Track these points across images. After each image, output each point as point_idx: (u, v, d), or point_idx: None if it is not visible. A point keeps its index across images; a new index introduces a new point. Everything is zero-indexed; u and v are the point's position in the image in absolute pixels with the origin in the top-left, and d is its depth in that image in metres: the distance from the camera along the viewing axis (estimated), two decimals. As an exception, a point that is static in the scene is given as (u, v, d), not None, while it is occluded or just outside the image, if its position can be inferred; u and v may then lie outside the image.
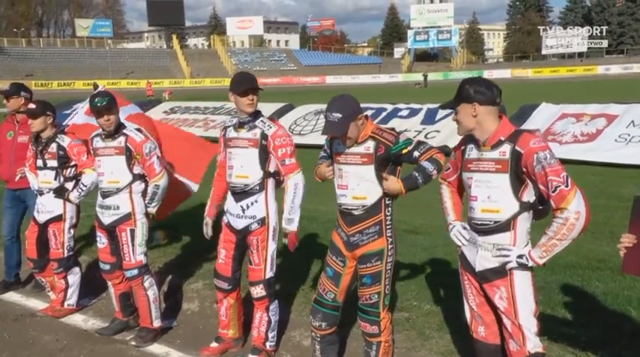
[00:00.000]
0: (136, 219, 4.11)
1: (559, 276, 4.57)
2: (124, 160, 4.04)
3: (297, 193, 3.62)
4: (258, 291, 3.72)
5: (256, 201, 3.65)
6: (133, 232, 4.11)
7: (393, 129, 3.22)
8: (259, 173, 3.62)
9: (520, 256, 2.69)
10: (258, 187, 3.63)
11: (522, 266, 2.71)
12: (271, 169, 3.64)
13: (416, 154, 3.09)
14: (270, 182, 3.67)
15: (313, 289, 4.56)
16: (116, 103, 4.03)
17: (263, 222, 3.66)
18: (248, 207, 3.65)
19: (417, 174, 3.06)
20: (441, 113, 13.46)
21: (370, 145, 3.11)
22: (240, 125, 3.64)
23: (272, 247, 3.71)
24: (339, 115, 3.00)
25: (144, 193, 4.14)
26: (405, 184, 3.07)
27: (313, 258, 5.33)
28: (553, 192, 2.52)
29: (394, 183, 3.07)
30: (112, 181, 4.09)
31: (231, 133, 3.69)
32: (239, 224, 3.70)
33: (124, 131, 4.06)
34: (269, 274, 3.72)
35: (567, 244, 2.58)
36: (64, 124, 4.99)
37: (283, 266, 5.11)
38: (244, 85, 3.52)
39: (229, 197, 3.75)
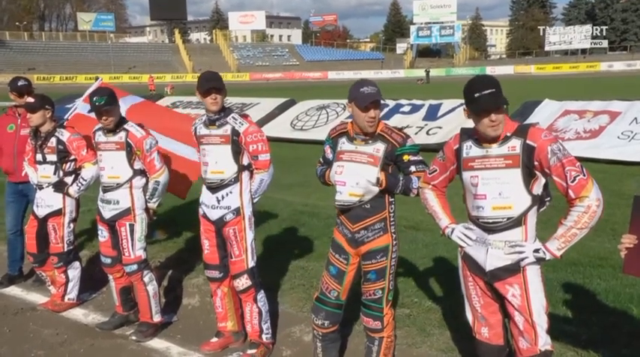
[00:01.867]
0: (136, 214, 4.11)
1: (560, 273, 4.56)
2: (124, 156, 4.03)
3: (261, 186, 3.74)
4: (243, 282, 3.74)
5: (231, 192, 3.69)
6: (132, 227, 4.11)
7: (401, 130, 3.21)
8: (234, 168, 3.67)
9: (536, 250, 2.66)
10: (233, 180, 3.68)
11: (539, 261, 2.69)
12: (245, 162, 3.69)
13: (412, 168, 3.12)
14: (245, 174, 3.72)
15: (314, 285, 4.56)
16: (115, 101, 4.00)
17: (238, 212, 3.70)
18: (223, 198, 3.70)
19: (402, 180, 3.10)
20: (443, 109, 13.45)
21: (380, 147, 3.10)
22: (210, 122, 3.67)
23: (250, 236, 3.74)
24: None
25: (144, 189, 4.13)
26: (387, 179, 3.07)
27: (313, 253, 5.33)
28: (572, 182, 2.51)
29: (381, 174, 3.08)
30: (112, 176, 4.08)
31: (202, 130, 3.73)
32: (214, 215, 3.74)
33: (125, 126, 4.05)
34: (251, 263, 3.75)
35: (585, 234, 2.56)
36: (64, 118, 4.97)
37: (282, 262, 5.12)
38: (206, 84, 3.54)
39: (204, 190, 3.79)
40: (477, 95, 2.58)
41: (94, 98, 3.91)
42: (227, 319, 4.00)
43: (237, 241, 3.71)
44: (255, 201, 3.77)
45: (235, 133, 3.61)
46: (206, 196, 3.77)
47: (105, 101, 3.89)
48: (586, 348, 3.43)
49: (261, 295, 3.82)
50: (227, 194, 3.69)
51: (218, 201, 3.70)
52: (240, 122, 3.64)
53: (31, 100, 4.50)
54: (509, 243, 2.71)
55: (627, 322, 3.73)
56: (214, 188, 3.70)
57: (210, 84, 3.54)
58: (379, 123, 3.12)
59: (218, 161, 3.67)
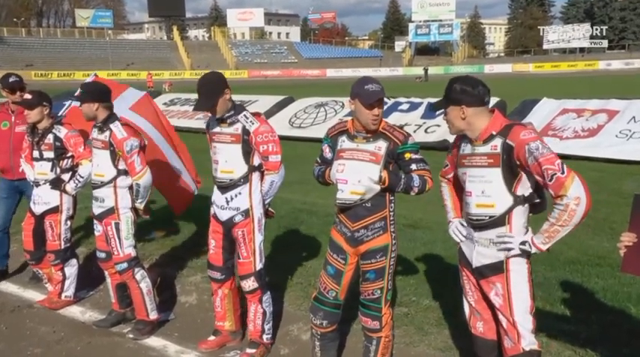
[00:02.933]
0: (120, 213, 4.08)
1: (559, 272, 4.56)
2: (108, 155, 4.01)
3: (272, 188, 3.67)
4: (250, 284, 3.71)
5: (240, 193, 3.64)
6: (117, 225, 4.08)
7: (402, 128, 3.20)
8: (244, 168, 3.60)
9: (523, 243, 2.68)
10: (242, 180, 3.62)
11: (525, 253, 2.70)
12: (255, 163, 3.62)
13: (413, 166, 3.09)
14: (255, 175, 3.65)
15: (312, 283, 4.55)
16: (96, 97, 3.96)
17: (247, 214, 3.65)
18: (232, 198, 3.65)
19: (403, 178, 3.07)
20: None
21: (382, 145, 3.08)
22: (222, 120, 3.61)
23: (259, 238, 3.70)
24: None
25: (131, 188, 4.10)
26: (390, 178, 3.05)
27: (311, 251, 5.32)
28: (550, 181, 2.51)
29: (384, 172, 3.06)
30: (97, 174, 4.09)
31: (215, 127, 3.67)
32: (223, 215, 3.70)
33: (110, 126, 4.00)
34: (259, 265, 3.71)
35: (570, 230, 2.56)
36: (59, 114, 4.95)
37: (281, 260, 5.10)
38: (199, 103, 3.53)
39: (215, 189, 3.74)
40: None
41: (80, 90, 3.99)
42: (225, 319, 3.97)
43: (246, 243, 3.67)
44: (266, 203, 3.72)
45: (246, 132, 3.54)
46: (216, 196, 3.72)
47: (81, 93, 3.95)
48: (584, 347, 3.42)
49: (267, 297, 3.80)
50: (236, 195, 3.63)
51: (227, 201, 3.65)
52: (251, 121, 3.56)
53: (28, 96, 4.48)
54: (498, 234, 2.72)
55: (626, 321, 3.73)
56: (224, 188, 3.65)
57: (200, 104, 3.52)
58: (381, 121, 3.11)
59: (228, 160, 3.61)
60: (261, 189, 3.66)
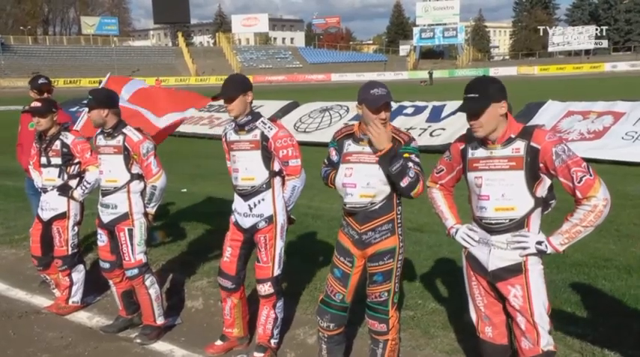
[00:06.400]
0: (134, 219, 4.10)
1: (565, 274, 4.55)
2: (121, 159, 4.03)
3: (294, 193, 3.69)
4: (266, 288, 3.72)
5: (263, 199, 3.65)
6: (131, 231, 4.10)
7: (408, 132, 3.21)
8: (265, 174, 3.62)
9: (539, 243, 2.67)
10: (265, 186, 3.64)
11: (540, 253, 2.69)
12: (276, 168, 3.65)
13: (410, 165, 3.06)
14: (277, 180, 3.67)
15: (318, 287, 4.56)
16: (106, 103, 3.99)
17: (270, 220, 3.66)
18: (255, 205, 3.66)
19: (402, 160, 2.99)
20: (447, 111, 13.43)
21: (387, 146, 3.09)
22: (239, 128, 3.64)
23: (280, 244, 3.71)
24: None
25: (143, 193, 4.13)
26: (390, 151, 2.98)
27: (318, 256, 5.32)
28: (579, 182, 2.51)
29: (386, 140, 2.99)
30: (109, 180, 4.10)
31: (232, 136, 3.70)
32: (246, 223, 3.70)
33: (123, 130, 4.05)
34: (277, 271, 3.72)
35: (590, 232, 2.57)
36: (76, 125, 4.98)
37: (288, 264, 5.09)
38: (220, 91, 3.53)
39: (236, 197, 3.75)
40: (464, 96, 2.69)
41: (89, 97, 4.01)
42: (234, 326, 3.98)
43: (267, 248, 3.68)
44: (289, 209, 3.73)
45: (264, 138, 3.57)
46: (238, 204, 3.73)
47: (89, 101, 3.97)
48: (592, 349, 3.41)
49: (281, 303, 3.81)
50: (259, 201, 3.65)
51: (250, 209, 3.67)
52: (269, 127, 3.60)
53: (37, 104, 4.51)
54: (513, 234, 2.71)
55: (634, 323, 3.71)
56: (246, 195, 3.67)
57: (220, 92, 3.52)
58: (388, 125, 3.12)
59: (248, 167, 3.63)
60: (283, 195, 3.67)
